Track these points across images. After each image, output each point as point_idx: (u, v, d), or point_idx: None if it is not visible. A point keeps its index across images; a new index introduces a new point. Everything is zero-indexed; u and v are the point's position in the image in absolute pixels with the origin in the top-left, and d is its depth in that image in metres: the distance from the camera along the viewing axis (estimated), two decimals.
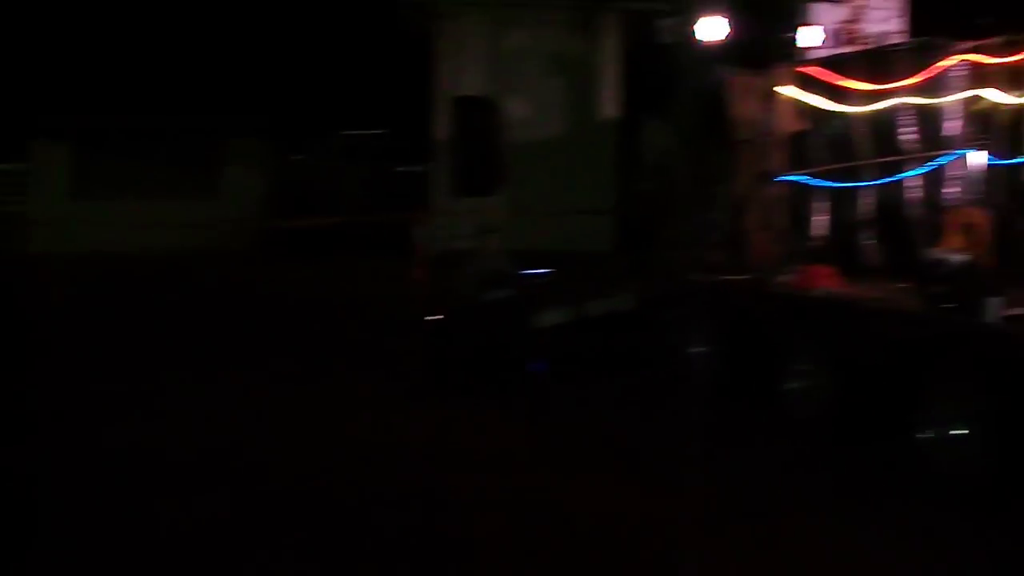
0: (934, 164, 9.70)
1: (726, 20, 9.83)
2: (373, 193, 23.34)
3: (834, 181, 10.82)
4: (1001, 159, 9.46)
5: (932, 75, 9.98)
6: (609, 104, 14.23)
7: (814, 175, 10.92)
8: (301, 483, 7.14)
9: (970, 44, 9.74)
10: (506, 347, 9.76)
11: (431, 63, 17.85)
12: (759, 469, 7.08)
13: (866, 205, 10.62)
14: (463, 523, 6.33)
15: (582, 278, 11.55)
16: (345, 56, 30.59)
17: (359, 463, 7.55)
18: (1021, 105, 9.36)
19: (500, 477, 7.17)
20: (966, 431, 5.89)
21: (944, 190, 9.95)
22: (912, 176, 10.21)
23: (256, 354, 11.54)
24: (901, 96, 10.22)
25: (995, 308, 6.09)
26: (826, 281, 8.15)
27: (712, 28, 9.88)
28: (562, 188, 13.98)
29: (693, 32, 10.11)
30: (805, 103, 10.93)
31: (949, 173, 9.91)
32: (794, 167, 10.89)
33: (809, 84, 10.96)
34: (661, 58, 11.73)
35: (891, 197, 10.42)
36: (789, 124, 10.77)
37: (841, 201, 10.80)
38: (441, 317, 10.20)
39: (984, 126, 9.40)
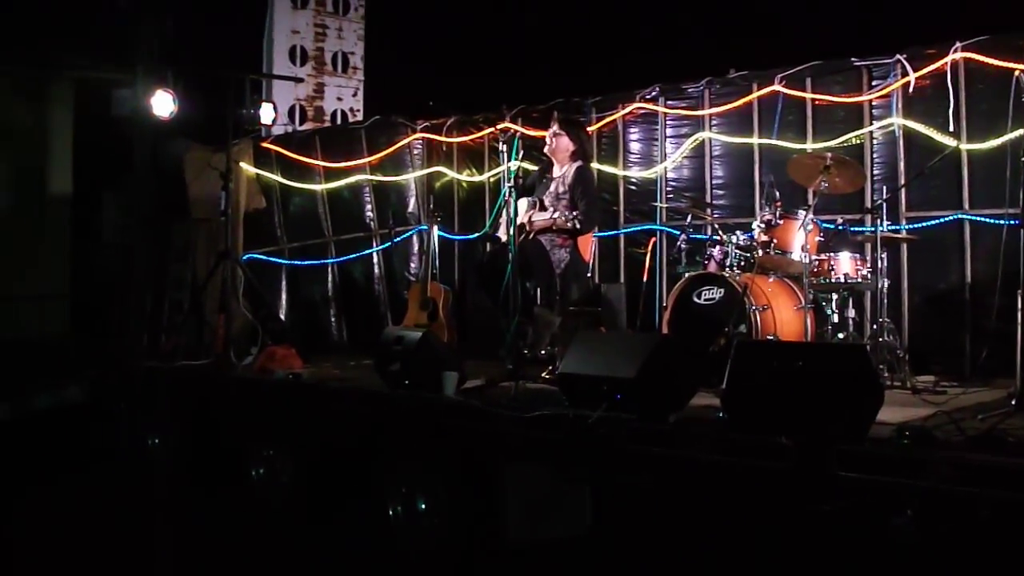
0: (393, 240, 9.88)
1: (175, 95, 9.39)
2: None
3: (295, 259, 10.75)
4: (457, 235, 9.84)
5: (390, 153, 10.23)
6: (63, 178, 13.18)
7: (275, 253, 10.77)
8: None
9: (425, 123, 10.09)
10: None
11: None
12: (223, 559, 6.62)
13: (327, 282, 10.64)
14: None
15: (28, 368, 10.45)
16: None
17: None
18: (474, 182, 9.80)
19: None
20: (426, 506, 5.86)
21: (403, 266, 10.19)
22: (372, 252, 10.36)
23: None
24: (361, 173, 10.37)
25: (452, 382, 6.14)
26: (287, 362, 7.90)
27: (164, 102, 9.40)
28: (10, 269, 12.68)
29: (150, 104, 9.57)
30: (266, 179, 10.78)
31: (408, 249, 10.17)
32: (256, 245, 10.67)
33: (270, 161, 10.84)
34: (117, 130, 11.06)
35: (352, 274, 10.51)
36: (249, 201, 10.54)
37: (302, 279, 10.74)
38: None
39: (441, 202, 9.73)
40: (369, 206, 10.43)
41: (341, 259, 10.54)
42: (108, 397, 9.27)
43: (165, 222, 10.74)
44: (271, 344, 8.44)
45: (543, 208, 7.12)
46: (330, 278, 10.62)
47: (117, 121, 10.70)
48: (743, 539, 4.63)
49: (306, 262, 10.69)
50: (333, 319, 10.59)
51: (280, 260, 10.76)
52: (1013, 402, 4.99)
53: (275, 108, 9.91)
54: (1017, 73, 5.55)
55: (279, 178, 10.76)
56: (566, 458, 5.18)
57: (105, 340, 10.72)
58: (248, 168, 10.63)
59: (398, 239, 10.00)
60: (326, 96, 14.46)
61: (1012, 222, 5.80)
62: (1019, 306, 5.40)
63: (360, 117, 14.16)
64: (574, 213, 6.72)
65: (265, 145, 10.88)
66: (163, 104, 9.34)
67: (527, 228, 7.03)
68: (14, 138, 12.95)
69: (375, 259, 10.38)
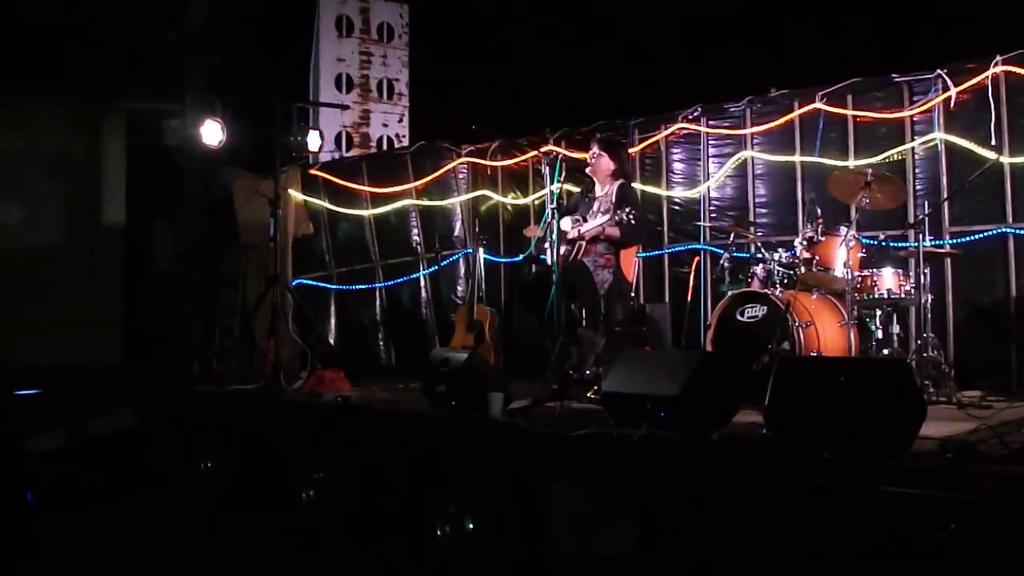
0: (440, 264, 9.98)
1: (224, 124, 9.57)
2: None
3: (343, 284, 10.88)
4: (503, 257, 9.92)
5: (436, 177, 10.35)
6: (116, 208, 13.39)
7: (323, 278, 10.91)
8: None
9: (470, 148, 10.20)
10: None
11: None
12: None
13: (375, 306, 10.76)
14: None
15: (82, 395, 10.62)
16: None
17: None
18: (519, 205, 9.88)
19: None
20: (474, 526, 5.91)
21: (450, 289, 10.28)
22: (419, 276, 10.47)
23: None
24: (407, 198, 10.49)
25: (497, 403, 6.18)
26: (335, 385, 7.99)
27: (213, 131, 9.58)
28: (64, 298, 12.91)
29: (199, 134, 9.76)
30: (313, 206, 10.93)
31: (455, 272, 10.27)
32: (304, 270, 10.82)
33: (317, 187, 10.99)
34: (168, 160, 11.26)
35: (401, 296, 10.62)
36: (297, 227, 10.69)
37: (350, 303, 10.87)
38: None
39: (486, 225, 9.82)
40: (415, 230, 10.55)
41: (388, 283, 10.66)
42: (161, 422, 9.41)
43: (215, 249, 10.90)
44: (320, 368, 8.54)
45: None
46: (378, 302, 10.74)
47: (168, 151, 10.87)
48: (789, 554, 4.64)
49: (354, 286, 10.81)
50: (381, 343, 10.72)
51: (329, 285, 10.90)
52: None
53: (322, 135, 10.05)
54: None
55: (327, 204, 10.92)
56: (611, 476, 5.22)
57: (158, 366, 10.88)
58: (296, 195, 10.79)
59: (444, 263, 10.09)
60: (372, 122, 14.65)
61: None
62: None
63: (406, 142, 14.37)
64: (628, 210, 6.73)
65: (313, 172, 11.04)
66: (212, 133, 9.51)
67: (578, 239, 7.10)
68: (68, 169, 13.19)
69: (422, 283, 10.50)
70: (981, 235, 7.19)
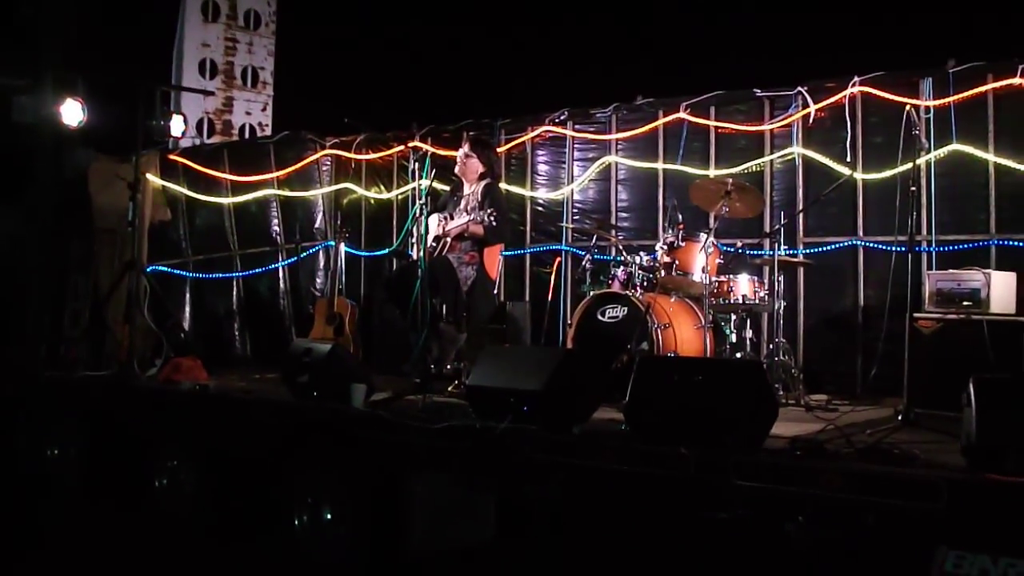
0: (300, 255, 9.88)
1: (82, 104, 9.24)
2: None
3: (201, 271, 10.67)
4: (364, 251, 9.88)
5: (299, 168, 10.24)
6: None
7: (179, 266, 10.68)
8: None
9: (335, 140, 10.13)
10: None
11: None
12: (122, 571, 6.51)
13: (231, 296, 10.59)
14: None
15: None
16: None
17: None
18: (381, 200, 9.85)
19: None
20: (332, 516, 5.88)
21: (309, 281, 10.18)
22: (277, 267, 10.34)
23: None
24: (269, 188, 10.35)
25: (360, 394, 6.17)
26: (192, 374, 7.82)
27: (73, 110, 9.25)
28: None
29: (55, 112, 9.41)
30: (172, 192, 10.70)
31: (314, 264, 10.17)
32: (160, 257, 10.57)
33: (176, 173, 10.75)
34: (18, 138, 10.84)
35: (259, 287, 10.47)
36: (154, 213, 10.44)
37: (209, 291, 10.66)
38: None
39: (348, 219, 9.76)
40: (276, 221, 10.42)
41: (246, 273, 10.50)
42: (6, 408, 9.07)
43: (65, 232, 10.55)
44: (175, 356, 8.34)
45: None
46: (235, 292, 10.56)
47: (17, 128, 10.44)
48: (645, 546, 4.75)
49: (211, 275, 10.62)
50: (237, 333, 10.54)
51: (184, 273, 10.68)
52: (899, 418, 5.23)
53: (185, 120, 9.82)
54: (908, 107, 5.81)
55: (185, 190, 10.69)
56: (473, 468, 5.25)
57: (1, 351, 10.48)
58: (154, 180, 10.54)
59: (304, 254, 10.00)
60: (235, 110, 14.42)
61: (901, 248, 6.06)
62: (907, 329, 5.65)
63: (269, 132, 14.13)
64: (490, 211, 6.79)
65: (172, 157, 10.80)
66: (72, 112, 9.19)
67: (442, 237, 7.12)
68: None
69: (281, 274, 10.37)
70: (833, 246, 7.51)
